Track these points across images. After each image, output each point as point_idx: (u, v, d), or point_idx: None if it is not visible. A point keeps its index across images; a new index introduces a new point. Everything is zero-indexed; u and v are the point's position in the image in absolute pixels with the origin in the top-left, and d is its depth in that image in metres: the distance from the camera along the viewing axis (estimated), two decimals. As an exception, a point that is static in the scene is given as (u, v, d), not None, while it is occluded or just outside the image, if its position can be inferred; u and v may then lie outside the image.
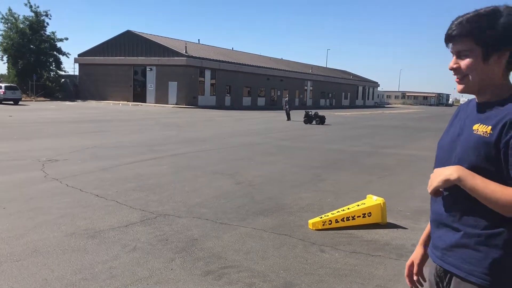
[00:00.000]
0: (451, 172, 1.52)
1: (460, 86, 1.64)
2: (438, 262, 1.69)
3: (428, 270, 1.80)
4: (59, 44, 53.63)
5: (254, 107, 51.91)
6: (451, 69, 1.63)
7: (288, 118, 28.13)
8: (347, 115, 25.31)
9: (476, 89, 1.62)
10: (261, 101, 56.65)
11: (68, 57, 56.83)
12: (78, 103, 42.87)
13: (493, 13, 1.54)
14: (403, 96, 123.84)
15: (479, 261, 1.52)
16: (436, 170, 1.60)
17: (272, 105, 57.32)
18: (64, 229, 5.08)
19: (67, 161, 9.69)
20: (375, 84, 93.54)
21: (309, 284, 3.84)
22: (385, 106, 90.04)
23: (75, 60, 52.96)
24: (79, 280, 3.74)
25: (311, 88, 67.65)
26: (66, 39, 56.20)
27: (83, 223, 5.34)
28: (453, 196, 1.60)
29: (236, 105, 50.46)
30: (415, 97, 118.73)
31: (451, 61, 1.63)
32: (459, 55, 1.60)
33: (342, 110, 44.18)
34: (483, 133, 1.52)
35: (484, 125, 1.54)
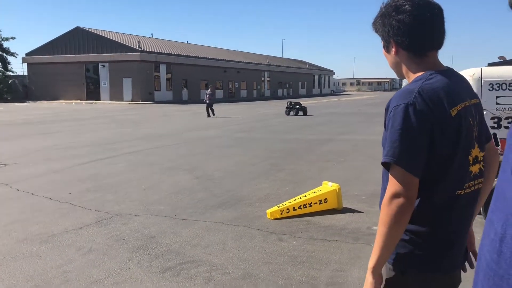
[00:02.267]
0: (367, 282, 1.58)
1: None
2: None
3: None
4: (5, 44, 51.27)
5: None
6: None
7: (209, 115, 23.52)
8: (304, 104, 25.49)
9: (400, 75, 1.73)
10: (219, 93, 56.28)
11: (15, 57, 54.34)
12: (29, 104, 41.19)
13: (380, 11, 1.67)
14: (358, 83, 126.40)
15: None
16: None
17: (230, 97, 57.17)
18: (15, 235, 4.90)
19: (18, 165, 9.32)
20: (331, 72, 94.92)
21: (268, 273, 3.88)
22: (341, 93, 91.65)
23: (23, 60, 50.78)
24: (32, 287, 3.63)
25: (269, 78, 67.87)
26: (13, 38, 53.80)
27: (35, 228, 5.16)
28: None
29: (194, 99, 49.96)
30: (370, 83, 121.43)
31: None
32: None
33: (300, 100, 44.60)
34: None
35: None
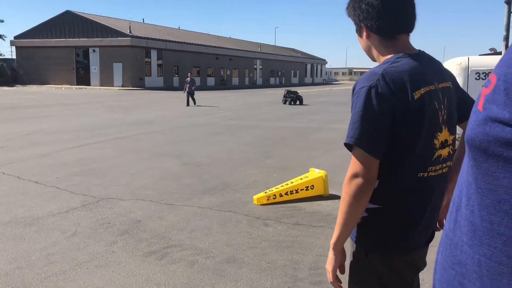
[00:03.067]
0: (329, 257, 1.66)
1: None
2: None
3: None
4: (-7, 27, 50.40)
5: (203, 87, 51.34)
6: None
7: (188, 103, 22.18)
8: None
9: (372, 59, 1.74)
10: (210, 81, 56.11)
11: (3, 39, 53.61)
12: (17, 88, 40.72)
13: None
14: (350, 72, 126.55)
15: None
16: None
17: (222, 84, 56.95)
18: (-1, 218, 4.87)
19: (4, 148, 9.23)
20: (323, 62, 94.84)
21: (252, 257, 3.91)
22: (333, 83, 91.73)
23: (11, 43, 50.09)
24: (14, 269, 3.62)
25: (261, 66, 67.66)
26: (1, 21, 52.93)
27: (20, 211, 5.14)
28: None
29: (194, 86, 49.71)
30: (362, 73, 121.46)
31: None
32: None
33: (292, 88, 44.65)
34: None
35: None
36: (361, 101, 1.50)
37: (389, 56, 1.60)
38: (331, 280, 1.68)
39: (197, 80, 52.95)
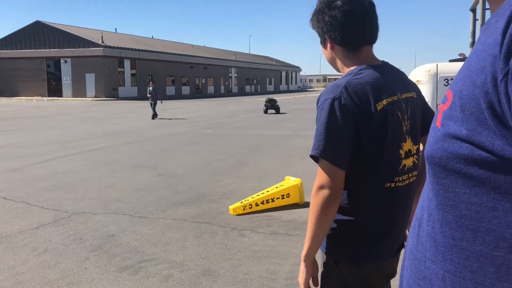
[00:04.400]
0: (300, 269, 1.66)
1: None
2: None
3: None
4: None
5: (178, 96, 51.08)
6: None
7: (155, 114, 19.98)
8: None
9: (337, 70, 1.76)
10: (185, 89, 55.86)
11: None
12: (-14, 101, 39.68)
13: (315, 8, 1.69)
14: (324, 79, 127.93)
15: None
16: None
17: (197, 93, 56.77)
18: (-35, 237, 4.69)
19: (-29, 164, 8.94)
20: (297, 69, 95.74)
21: (227, 269, 3.86)
22: (308, 90, 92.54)
23: (-20, 54, 48.84)
24: (-19, 291, 3.48)
25: (236, 74, 67.79)
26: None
27: (-13, 229, 4.96)
28: None
29: (160, 95, 49.36)
30: (335, 80, 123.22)
31: None
32: None
33: (268, 95, 44.78)
34: None
35: None
36: (325, 113, 1.51)
37: (352, 68, 1.62)
38: None
39: (171, 89, 52.73)
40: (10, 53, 46.31)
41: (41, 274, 3.79)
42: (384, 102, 1.53)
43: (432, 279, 0.73)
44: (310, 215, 1.56)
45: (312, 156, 1.55)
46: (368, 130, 1.51)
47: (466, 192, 0.67)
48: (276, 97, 30.57)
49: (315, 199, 1.53)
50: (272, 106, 23.37)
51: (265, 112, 23.05)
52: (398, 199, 1.63)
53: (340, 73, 1.74)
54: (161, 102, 20.39)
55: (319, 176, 1.53)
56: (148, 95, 20.62)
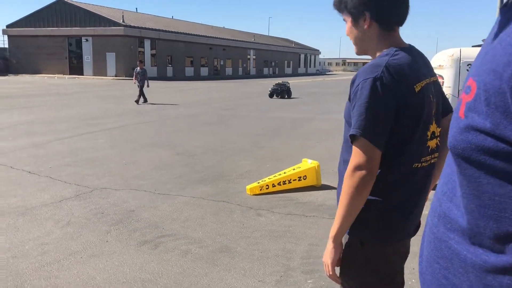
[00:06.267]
0: (327, 250, 1.66)
1: (354, 49, 1.76)
2: None
3: None
4: (-17, 15, 49.63)
5: (197, 77, 51.15)
6: (347, 34, 1.74)
7: (139, 98, 17.54)
8: (290, 83, 25.36)
9: (362, 52, 1.73)
10: (204, 71, 55.87)
11: (-5, 28, 52.87)
12: (10, 78, 40.33)
13: None
14: (344, 63, 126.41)
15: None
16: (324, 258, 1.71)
17: (216, 75, 56.74)
18: (-8, 208, 4.87)
19: (-4, 138, 9.19)
20: (317, 52, 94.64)
21: (244, 247, 3.95)
22: (327, 73, 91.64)
23: (3, 32, 49.39)
24: (8, 259, 3.63)
25: (254, 57, 67.40)
26: (-9, 8, 52.12)
27: (13, 201, 5.14)
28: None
29: (179, 76, 49.51)
30: (355, 64, 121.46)
31: None
32: (346, 22, 1.71)
33: (285, 78, 44.52)
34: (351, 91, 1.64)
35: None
36: (366, 93, 1.50)
37: (385, 49, 1.61)
38: (330, 273, 1.68)
39: (190, 70, 52.79)
40: (33, 31, 46.81)
41: (64, 246, 3.93)
42: (422, 84, 1.56)
43: (453, 258, 0.76)
44: (343, 195, 1.56)
45: (351, 136, 1.54)
46: (407, 111, 1.53)
47: (490, 183, 0.68)
48: (294, 80, 30.29)
49: (351, 179, 1.52)
50: (280, 91, 21.40)
51: (270, 96, 21.34)
52: (421, 179, 1.66)
53: (365, 56, 1.75)
54: (148, 86, 18.00)
55: (357, 156, 1.52)
56: (134, 77, 18.01)
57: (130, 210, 4.90)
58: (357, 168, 1.51)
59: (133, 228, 4.37)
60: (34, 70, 46.29)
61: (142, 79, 17.61)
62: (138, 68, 17.90)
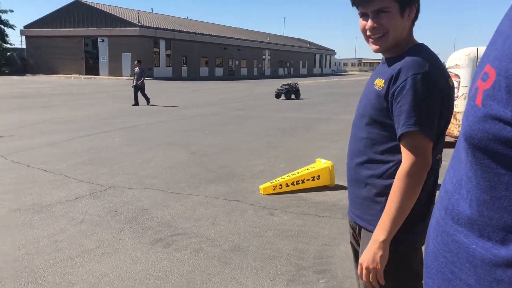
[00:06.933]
0: (377, 254, 1.53)
1: (376, 46, 1.65)
2: (349, 214, 1.83)
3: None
4: (3, 16, 50.63)
5: (212, 77, 51.34)
6: (371, 28, 1.62)
7: (137, 101, 16.68)
8: (305, 83, 25.31)
9: (392, 46, 1.63)
10: (219, 71, 56.05)
11: (14, 29, 53.90)
12: (27, 78, 40.98)
13: None
14: (359, 63, 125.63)
15: (378, 212, 1.61)
16: (362, 258, 1.59)
17: (230, 75, 56.87)
18: (8, 205, 4.94)
19: (14, 137, 9.32)
20: (332, 52, 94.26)
21: (257, 246, 3.93)
22: (342, 73, 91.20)
23: (21, 32, 50.24)
24: (23, 255, 3.67)
25: (269, 57, 67.39)
26: (11, 11, 53.24)
27: (28, 198, 5.20)
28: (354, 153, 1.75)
29: (193, 76, 49.73)
30: (371, 64, 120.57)
31: (368, 21, 1.62)
32: (377, 14, 1.60)
33: (300, 79, 44.45)
34: (378, 87, 1.60)
35: (381, 79, 1.61)
36: (418, 88, 1.48)
37: (413, 43, 1.64)
38: (373, 280, 1.56)
39: (205, 70, 52.98)
40: (50, 32, 47.48)
41: (78, 243, 3.96)
42: (451, 78, 1.60)
43: (460, 252, 0.73)
44: (397, 196, 1.49)
45: (405, 134, 1.49)
46: (446, 105, 1.55)
47: (508, 173, 0.65)
48: (309, 80, 30.17)
49: (409, 179, 1.47)
50: (286, 91, 20.64)
51: (277, 97, 20.65)
52: (438, 170, 1.67)
53: (377, 56, 1.70)
54: (140, 85, 16.97)
55: (414, 153, 1.48)
56: (133, 77, 17.34)
57: (143, 208, 4.92)
58: (416, 165, 1.48)
59: (146, 226, 4.39)
60: (51, 70, 46.94)
61: (139, 79, 16.90)
62: (137, 68, 17.25)
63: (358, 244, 1.80)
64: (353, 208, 1.76)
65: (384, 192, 1.59)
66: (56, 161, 7.15)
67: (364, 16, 1.64)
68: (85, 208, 4.91)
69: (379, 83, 1.60)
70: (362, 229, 1.72)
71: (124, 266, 3.52)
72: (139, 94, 16.91)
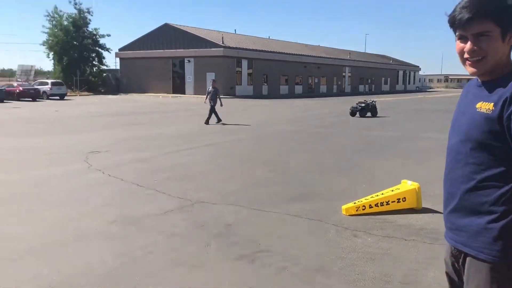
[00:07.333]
0: None
1: (474, 69, 1.63)
2: (451, 242, 1.73)
3: (445, 250, 1.84)
4: (101, 40, 55.06)
5: (291, 95, 51.69)
6: (470, 51, 1.60)
7: (209, 118, 16.92)
8: (387, 100, 24.62)
9: (491, 69, 1.61)
10: (298, 89, 56.32)
11: (109, 52, 58.46)
12: (120, 97, 44.10)
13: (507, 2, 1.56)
14: (446, 79, 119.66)
15: (490, 239, 1.56)
16: None
17: (310, 92, 56.89)
18: (106, 217, 5.34)
19: (109, 152, 10.07)
20: (416, 68, 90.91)
21: (341, 268, 3.90)
22: (427, 90, 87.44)
23: (116, 55, 54.32)
24: (120, 265, 3.95)
25: (349, 74, 66.56)
26: (109, 35, 58.02)
27: (124, 211, 5.59)
28: (456, 178, 1.69)
29: (274, 94, 50.42)
30: (459, 80, 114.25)
31: (468, 44, 1.61)
32: (477, 37, 1.58)
33: (382, 96, 43.31)
34: (486, 110, 1.56)
35: (487, 103, 1.58)
36: None
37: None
38: None
39: (285, 88, 53.48)
40: (141, 53, 50.82)
41: (169, 255, 4.18)
42: None
43: None
44: None
45: None
46: None
47: None
48: (392, 97, 29.30)
49: None
50: (361, 109, 20.23)
51: (351, 115, 20.32)
52: None
53: (465, 72, 1.68)
54: (221, 105, 17.44)
55: None
56: (206, 96, 17.45)
57: (227, 224, 5.08)
58: None
59: (232, 241, 4.52)
60: (141, 89, 50.05)
61: (214, 98, 17.05)
62: (210, 87, 17.52)
63: (458, 274, 1.75)
64: (457, 235, 1.69)
65: (498, 219, 1.55)
66: (146, 176, 7.61)
67: (462, 38, 1.63)
68: (175, 221, 5.17)
69: (486, 106, 1.57)
70: (468, 258, 1.65)
71: (212, 280, 3.66)
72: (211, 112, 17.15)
